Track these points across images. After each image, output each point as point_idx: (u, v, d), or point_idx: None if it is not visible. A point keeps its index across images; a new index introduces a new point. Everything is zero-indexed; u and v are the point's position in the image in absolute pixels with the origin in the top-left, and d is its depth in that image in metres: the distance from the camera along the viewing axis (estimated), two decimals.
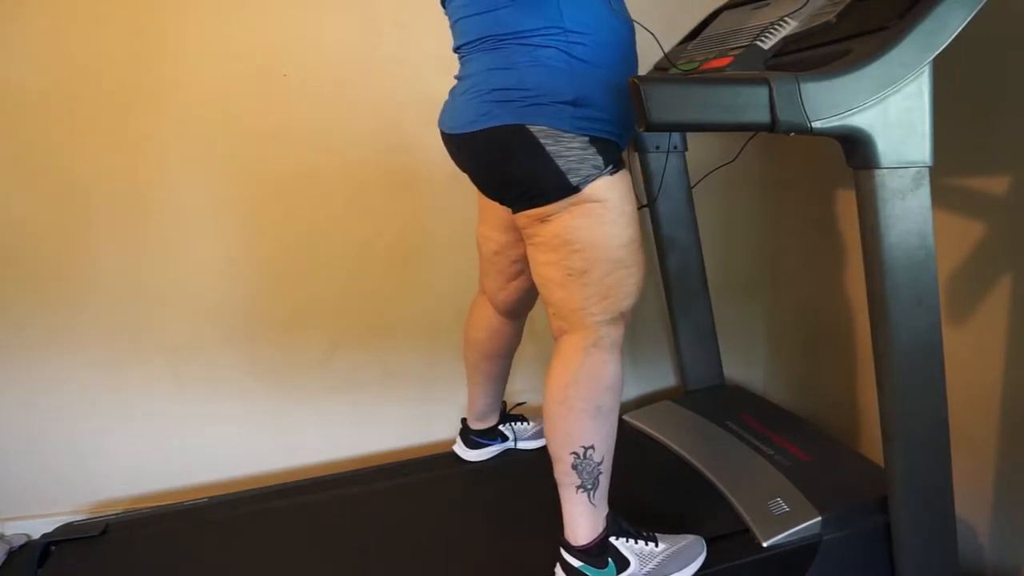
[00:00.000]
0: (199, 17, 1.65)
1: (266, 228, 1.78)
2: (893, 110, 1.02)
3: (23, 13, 1.58)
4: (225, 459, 1.85)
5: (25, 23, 1.59)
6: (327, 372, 1.87)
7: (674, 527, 1.33)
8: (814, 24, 1.18)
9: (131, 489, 1.82)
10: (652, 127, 1.00)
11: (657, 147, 1.76)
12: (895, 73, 1.01)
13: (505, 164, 1.17)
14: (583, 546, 1.22)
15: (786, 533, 1.33)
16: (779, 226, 2.05)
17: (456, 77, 1.27)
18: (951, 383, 1.17)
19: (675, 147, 1.77)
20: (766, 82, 0.99)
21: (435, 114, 1.30)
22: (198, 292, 1.77)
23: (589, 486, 1.21)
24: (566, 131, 1.12)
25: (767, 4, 1.36)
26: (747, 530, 1.37)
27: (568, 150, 1.13)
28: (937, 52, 1.01)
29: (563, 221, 1.16)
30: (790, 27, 1.22)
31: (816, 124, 1.01)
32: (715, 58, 1.28)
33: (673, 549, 1.28)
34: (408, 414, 1.93)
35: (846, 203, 1.77)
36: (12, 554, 1.56)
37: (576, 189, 1.14)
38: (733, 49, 1.26)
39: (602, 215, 1.16)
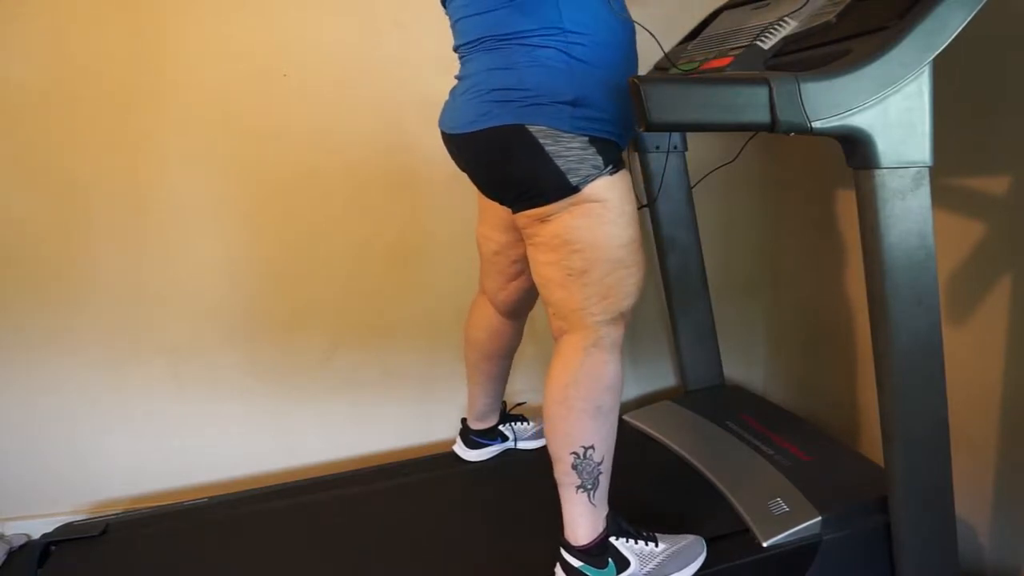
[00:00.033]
0: (199, 17, 1.65)
1: (266, 228, 1.78)
2: (893, 110, 1.02)
3: (23, 13, 1.58)
4: (225, 459, 1.85)
5: (25, 23, 1.59)
6: (327, 372, 1.87)
7: (674, 527, 1.33)
8: (814, 24, 1.18)
9: (131, 489, 1.82)
10: (652, 127, 1.00)
11: (657, 147, 1.76)
12: (895, 73, 1.01)
13: (505, 164, 1.17)
14: (583, 546, 1.22)
15: (786, 533, 1.33)
16: (779, 226, 2.05)
17: (456, 77, 1.27)
18: (951, 383, 1.17)
19: (675, 147, 1.77)
20: (766, 82, 0.98)
21: (435, 114, 1.30)
22: (198, 292, 1.77)
23: (589, 486, 1.21)
24: (565, 131, 1.12)
25: (767, 4, 1.36)
26: (747, 530, 1.37)
27: (568, 150, 1.13)
28: (937, 52, 1.01)
29: (563, 221, 1.16)
30: (790, 27, 1.22)
31: (816, 124, 1.01)
32: (715, 58, 1.28)
33: (673, 549, 1.28)
34: (408, 414, 1.93)
35: (846, 203, 1.77)
36: (12, 554, 1.56)
37: (576, 189, 1.14)
38: (733, 49, 1.26)
39: (602, 215, 1.16)
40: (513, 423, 1.76)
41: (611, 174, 1.16)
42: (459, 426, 1.76)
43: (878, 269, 1.09)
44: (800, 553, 1.31)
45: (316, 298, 1.84)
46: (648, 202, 1.78)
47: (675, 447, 1.66)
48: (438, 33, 1.35)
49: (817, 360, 1.97)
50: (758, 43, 1.22)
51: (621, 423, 1.31)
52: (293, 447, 1.88)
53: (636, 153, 1.79)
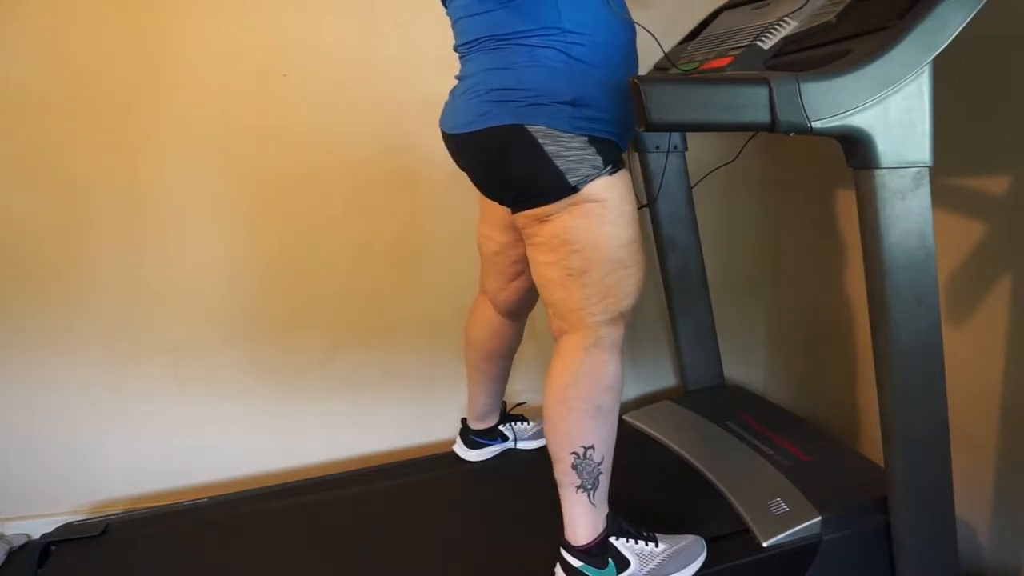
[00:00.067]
0: (199, 17, 1.65)
1: (266, 228, 1.78)
2: (893, 110, 1.02)
3: (23, 13, 1.58)
4: (225, 459, 1.85)
5: (25, 23, 1.59)
6: (327, 372, 1.87)
7: (674, 527, 1.33)
8: (814, 24, 1.18)
9: (131, 489, 1.82)
10: (652, 127, 1.00)
11: (657, 147, 1.76)
12: (895, 73, 1.01)
13: (504, 164, 1.17)
14: (583, 546, 1.22)
15: (786, 533, 1.33)
16: (779, 226, 2.05)
17: (456, 77, 1.27)
18: (951, 383, 1.17)
19: (675, 147, 1.77)
20: (766, 82, 0.98)
21: (435, 114, 1.30)
22: (198, 292, 1.77)
23: (589, 486, 1.21)
24: (565, 131, 1.12)
25: (767, 4, 1.36)
26: (747, 530, 1.37)
27: (567, 150, 1.13)
28: (937, 52, 1.01)
29: (562, 221, 1.16)
30: (790, 27, 1.22)
31: (816, 124, 1.01)
32: (715, 58, 1.28)
33: (673, 549, 1.28)
34: (408, 414, 1.93)
35: (846, 203, 1.77)
36: (12, 554, 1.56)
37: (575, 189, 1.14)
38: (733, 49, 1.26)
39: (601, 215, 1.16)
40: (513, 423, 1.76)
41: (611, 174, 1.16)
42: (459, 426, 1.76)
43: (878, 269, 1.09)
44: (800, 553, 1.31)
45: (316, 298, 1.84)
46: (648, 202, 1.78)
47: (675, 447, 1.66)
48: (438, 33, 1.35)
49: (817, 360, 1.97)
50: (758, 43, 1.22)
51: (621, 423, 1.31)
52: (293, 447, 1.88)
53: (636, 153, 1.79)
